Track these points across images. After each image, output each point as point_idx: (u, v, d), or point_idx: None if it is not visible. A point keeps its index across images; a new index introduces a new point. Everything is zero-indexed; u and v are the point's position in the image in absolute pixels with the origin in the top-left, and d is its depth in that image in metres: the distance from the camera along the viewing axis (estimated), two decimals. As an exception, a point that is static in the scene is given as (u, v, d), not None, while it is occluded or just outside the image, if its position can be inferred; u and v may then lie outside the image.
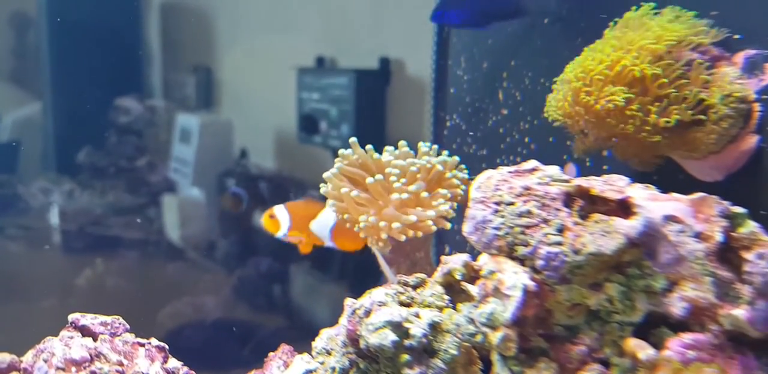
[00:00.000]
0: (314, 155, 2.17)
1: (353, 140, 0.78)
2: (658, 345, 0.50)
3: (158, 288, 2.07)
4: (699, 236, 0.51)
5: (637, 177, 0.70)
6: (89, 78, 2.55)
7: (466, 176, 0.77)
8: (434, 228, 0.73)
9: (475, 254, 0.61)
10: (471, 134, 1.09)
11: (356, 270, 1.83)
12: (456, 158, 0.77)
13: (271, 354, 0.71)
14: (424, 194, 0.74)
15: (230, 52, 2.84)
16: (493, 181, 0.58)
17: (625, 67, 0.60)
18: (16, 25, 2.85)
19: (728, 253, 0.51)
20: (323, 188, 0.79)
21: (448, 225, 0.73)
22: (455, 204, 0.75)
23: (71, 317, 0.62)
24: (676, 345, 0.49)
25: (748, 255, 0.50)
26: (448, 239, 1.16)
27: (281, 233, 0.93)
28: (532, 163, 0.58)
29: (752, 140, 0.63)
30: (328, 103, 2.06)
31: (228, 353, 1.67)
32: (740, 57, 0.64)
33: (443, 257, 0.63)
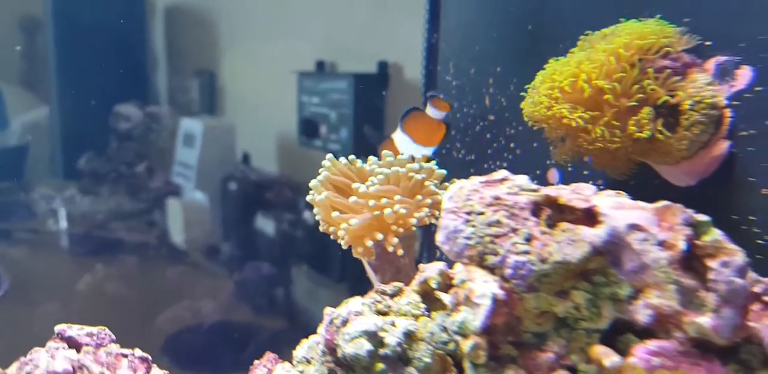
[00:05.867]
0: (315, 158, 2.18)
1: (330, 155, 0.80)
2: (624, 352, 0.51)
3: (159, 292, 2.09)
4: (662, 244, 0.51)
5: (615, 183, 0.71)
6: (95, 82, 2.58)
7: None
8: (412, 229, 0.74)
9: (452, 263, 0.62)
10: (460, 139, 1.10)
11: (355, 274, 1.85)
12: (443, 172, 0.78)
13: (256, 361, 0.72)
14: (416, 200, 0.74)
15: (233, 56, 2.86)
16: (464, 191, 0.58)
17: (580, 83, 0.61)
18: (25, 29, 2.88)
19: (692, 261, 0.52)
20: (309, 196, 0.80)
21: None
22: (436, 212, 0.76)
23: (58, 328, 0.63)
24: (641, 351, 0.50)
25: (712, 263, 0.51)
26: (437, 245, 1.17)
27: None
28: (502, 173, 0.59)
29: (723, 146, 0.63)
30: (327, 107, 2.08)
31: (227, 357, 1.68)
32: (711, 64, 0.64)
33: (421, 266, 0.64)
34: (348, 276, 1.87)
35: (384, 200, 0.74)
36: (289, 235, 2.13)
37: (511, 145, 0.96)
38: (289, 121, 2.27)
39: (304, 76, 2.19)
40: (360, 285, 1.78)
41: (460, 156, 1.10)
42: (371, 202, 0.74)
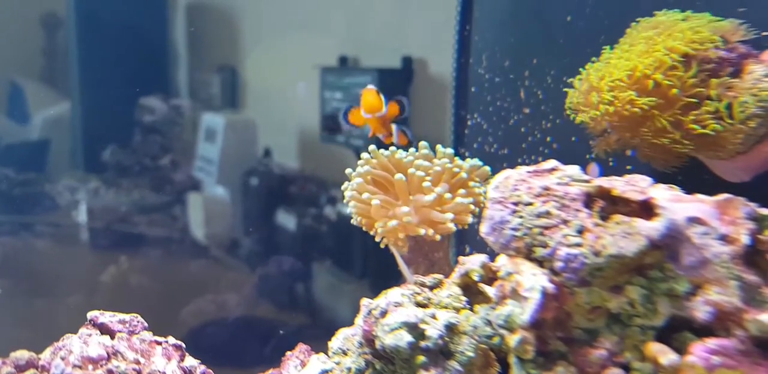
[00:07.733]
0: (336, 154, 2.17)
1: (373, 147, 0.78)
2: (680, 350, 0.49)
3: (181, 285, 2.09)
4: (724, 238, 0.49)
5: (661, 178, 0.69)
6: (117, 78, 2.58)
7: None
8: (453, 229, 0.72)
9: (494, 256, 0.60)
10: (492, 133, 1.08)
11: (378, 269, 1.83)
12: (487, 169, 0.77)
13: (288, 353, 0.71)
14: (447, 195, 0.73)
15: (254, 52, 2.86)
16: (511, 181, 0.57)
17: (643, 75, 0.59)
18: (47, 26, 2.90)
19: (755, 256, 0.49)
20: (347, 192, 0.78)
21: (469, 220, 0.72)
22: (476, 208, 0.74)
23: (90, 314, 0.62)
24: (699, 350, 0.48)
25: (777, 259, 0.48)
26: (469, 239, 1.15)
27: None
28: (551, 163, 0.57)
29: (782, 140, 0.61)
30: (350, 102, 2.06)
31: (250, 351, 1.68)
32: (769, 54, 0.62)
33: (461, 258, 0.62)
34: (370, 272, 1.85)
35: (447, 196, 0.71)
36: (311, 230, 2.12)
37: (548, 139, 0.94)
38: (311, 116, 2.26)
39: (326, 71, 2.17)
40: (382, 281, 1.76)
41: (492, 150, 1.08)
42: (414, 197, 0.72)
